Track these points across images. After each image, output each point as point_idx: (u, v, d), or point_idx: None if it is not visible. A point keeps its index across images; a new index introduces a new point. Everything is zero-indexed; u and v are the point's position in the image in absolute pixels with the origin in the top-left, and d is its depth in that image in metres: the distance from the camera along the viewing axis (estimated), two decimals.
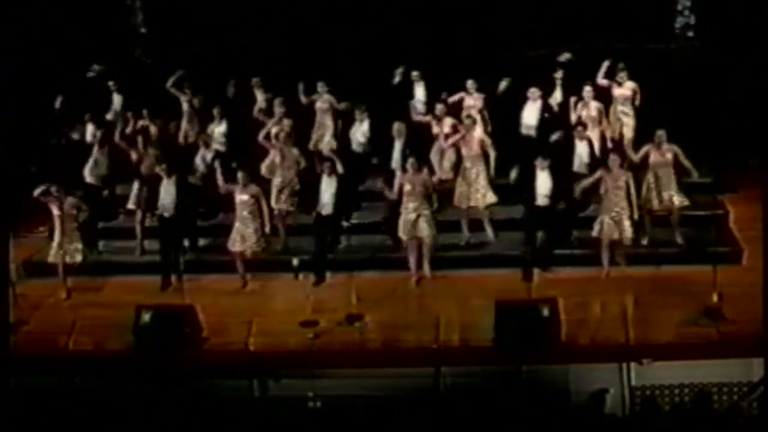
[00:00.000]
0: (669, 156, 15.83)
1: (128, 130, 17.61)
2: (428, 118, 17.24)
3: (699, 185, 16.41)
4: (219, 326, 14.74)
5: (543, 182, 15.51)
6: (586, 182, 15.51)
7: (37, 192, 15.87)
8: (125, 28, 20.31)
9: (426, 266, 15.73)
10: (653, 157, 15.89)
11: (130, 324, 14.35)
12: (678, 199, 15.84)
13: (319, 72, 18.29)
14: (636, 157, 15.95)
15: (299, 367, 13.93)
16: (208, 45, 19.67)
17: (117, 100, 18.71)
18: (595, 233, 15.44)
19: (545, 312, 13.77)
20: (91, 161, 17.32)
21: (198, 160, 17.26)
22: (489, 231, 16.48)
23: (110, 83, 18.75)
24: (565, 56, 17.75)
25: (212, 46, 19.68)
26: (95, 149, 17.36)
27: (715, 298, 14.17)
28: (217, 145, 17.45)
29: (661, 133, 15.87)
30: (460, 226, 16.51)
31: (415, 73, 17.99)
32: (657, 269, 15.45)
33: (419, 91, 18.01)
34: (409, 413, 13.36)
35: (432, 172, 16.32)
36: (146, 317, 14.27)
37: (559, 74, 17.67)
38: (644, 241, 15.93)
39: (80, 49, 19.43)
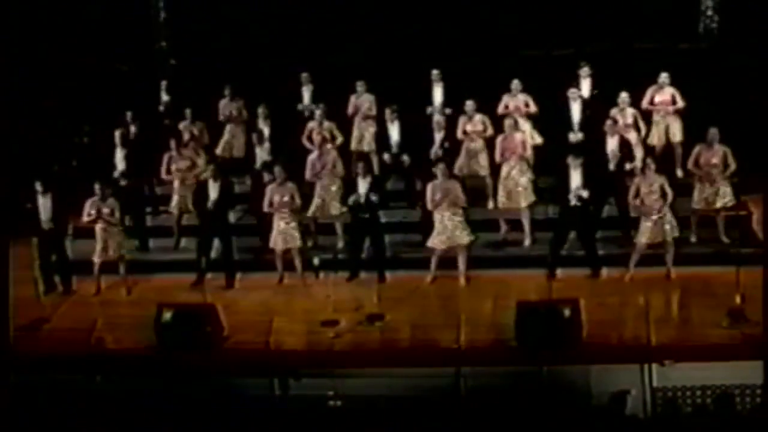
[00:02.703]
0: (720, 157, 15.83)
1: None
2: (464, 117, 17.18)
3: None
4: (240, 325, 14.75)
5: (575, 182, 15.45)
6: (631, 198, 15.44)
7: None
8: (149, 27, 20.39)
9: (463, 268, 15.69)
10: (704, 158, 15.87)
11: (152, 323, 14.38)
12: (726, 199, 15.85)
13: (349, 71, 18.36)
14: (690, 162, 16.02)
15: (320, 366, 13.94)
16: (239, 45, 19.76)
17: (165, 100, 18.81)
18: (637, 239, 15.37)
19: (567, 312, 13.71)
20: (118, 160, 17.41)
21: (258, 163, 17.24)
22: (527, 231, 16.42)
23: (162, 83, 18.83)
24: (585, 71, 17.72)
25: (242, 46, 19.77)
26: (119, 149, 17.43)
27: (738, 299, 14.08)
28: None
29: (714, 132, 15.88)
30: (483, 225, 16.43)
31: (435, 73, 17.97)
32: (679, 270, 15.34)
33: (438, 92, 17.99)
34: (430, 413, 13.32)
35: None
36: (167, 316, 14.28)
37: (584, 72, 17.64)
38: (693, 239, 15.97)
39: (104, 46, 19.54)
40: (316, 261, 15.31)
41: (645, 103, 17.21)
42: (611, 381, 13.40)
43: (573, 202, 15.46)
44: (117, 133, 17.48)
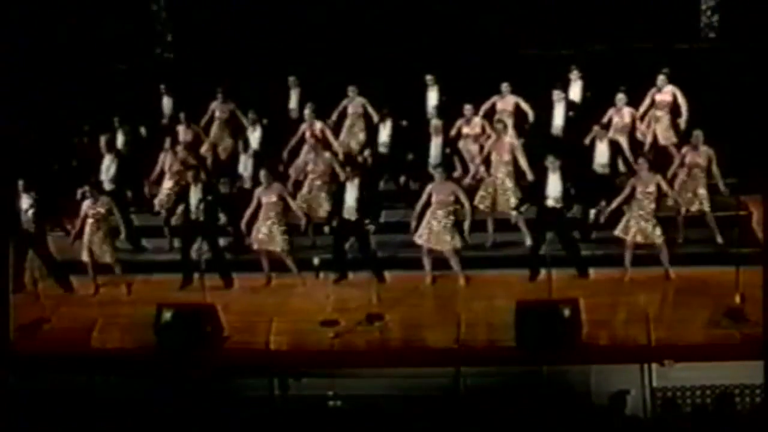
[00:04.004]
0: (704, 158, 15.85)
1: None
2: (460, 121, 17.21)
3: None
4: (240, 325, 14.76)
5: (553, 183, 15.46)
6: (621, 197, 15.40)
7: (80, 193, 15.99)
8: (148, 28, 20.37)
9: (458, 269, 15.68)
10: (689, 158, 15.91)
11: (151, 323, 14.37)
12: (703, 203, 15.87)
13: (343, 74, 18.36)
14: (675, 164, 16.04)
15: (319, 366, 13.94)
16: (232, 46, 19.74)
17: (167, 102, 18.79)
18: (617, 232, 15.37)
19: (566, 312, 13.72)
20: (104, 165, 17.39)
21: (241, 169, 17.23)
22: (524, 232, 16.41)
23: (161, 86, 18.82)
24: (575, 74, 17.75)
25: (236, 47, 19.75)
26: (105, 153, 17.40)
27: (737, 299, 14.10)
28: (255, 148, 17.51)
29: (698, 134, 15.92)
30: (483, 226, 16.45)
31: (429, 77, 17.98)
32: (679, 270, 15.35)
33: (432, 96, 18.00)
34: (429, 413, 13.31)
35: (466, 172, 16.59)
36: (167, 316, 14.28)
37: (574, 75, 17.68)
38: (680, 240, 15.97)
39: (102, 48, 19.53)
40: (315, 261, 15.30)
41: (645, 106, 17.23)
42: (611, 381, 13.40)
43: (550, 204, 15.46)
44: (102, 139, 17.47)
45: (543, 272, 15.15)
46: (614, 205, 15.43)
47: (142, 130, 18.42)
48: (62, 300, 16.04)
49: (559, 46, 19.12)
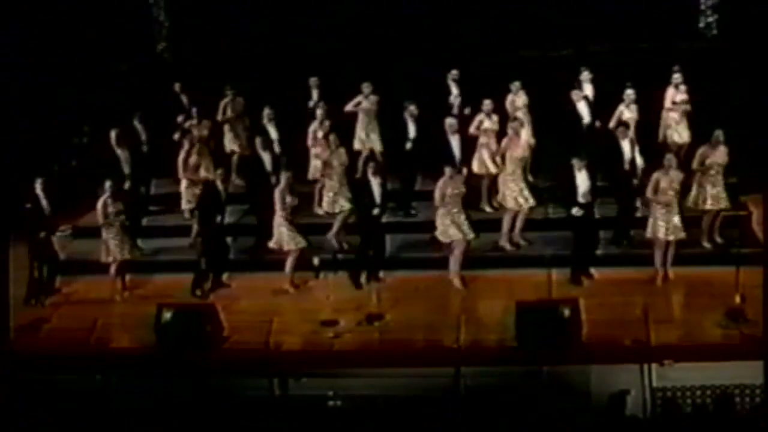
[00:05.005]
0: (725, 157, 15.81)
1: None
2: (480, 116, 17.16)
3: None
4: (240, 325, 14.77)
5: (582, 182, 15.43)
6: (650, 190, 15.33)
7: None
8: (149, 26, 20.37)
9: (456, 268, 15.65)
10: (711, 158, 15.83)
11: (151, 323, 14.37)
12: (724, 201, 15.84)
13: (362, 71, 18.37)
14: (695, 162, 15.92)
15: (319, 366, 13.94)
16: (241, 44, 19.74)
17: (184, 100, 18.78)
18: (648, 235, 15.31)
19: (566, 312, 13.73)
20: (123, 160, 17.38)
21: (268, 164, 17.17)
22: (517, 231, 16.40)
23: (176, 85, 18.80)
24: (585, 75, 17.74)
25: (245, 45, 19.75)
26: (118, 149, 17.38)
27: (737, 299, 14.10)
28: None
29: (718, 133, 15.85)
30: (485, 226, 16.43)
31: (454, 73, 17.97)
32: (679, 270, 15.35)
33: (455, 92, 18.00)
34: (429, 413, 13.34)
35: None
36: (167, 315, 14.30)
37: (584, 76, 17.67)
38: (706, 243, 15.95)
39: (103, 48, 19.53)
40: (316, 261, 15.30)
41: (668, 103, 17.22)
42: (611, 381, 13.42)
43: (580, 203, 15.46)
44: (113, 134, 17.46)
45: (539, 271, 15.21)
46: (649, 192, 15.33)
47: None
48: (62, 300, 16.05)
49: (560, 47, 19.10)
